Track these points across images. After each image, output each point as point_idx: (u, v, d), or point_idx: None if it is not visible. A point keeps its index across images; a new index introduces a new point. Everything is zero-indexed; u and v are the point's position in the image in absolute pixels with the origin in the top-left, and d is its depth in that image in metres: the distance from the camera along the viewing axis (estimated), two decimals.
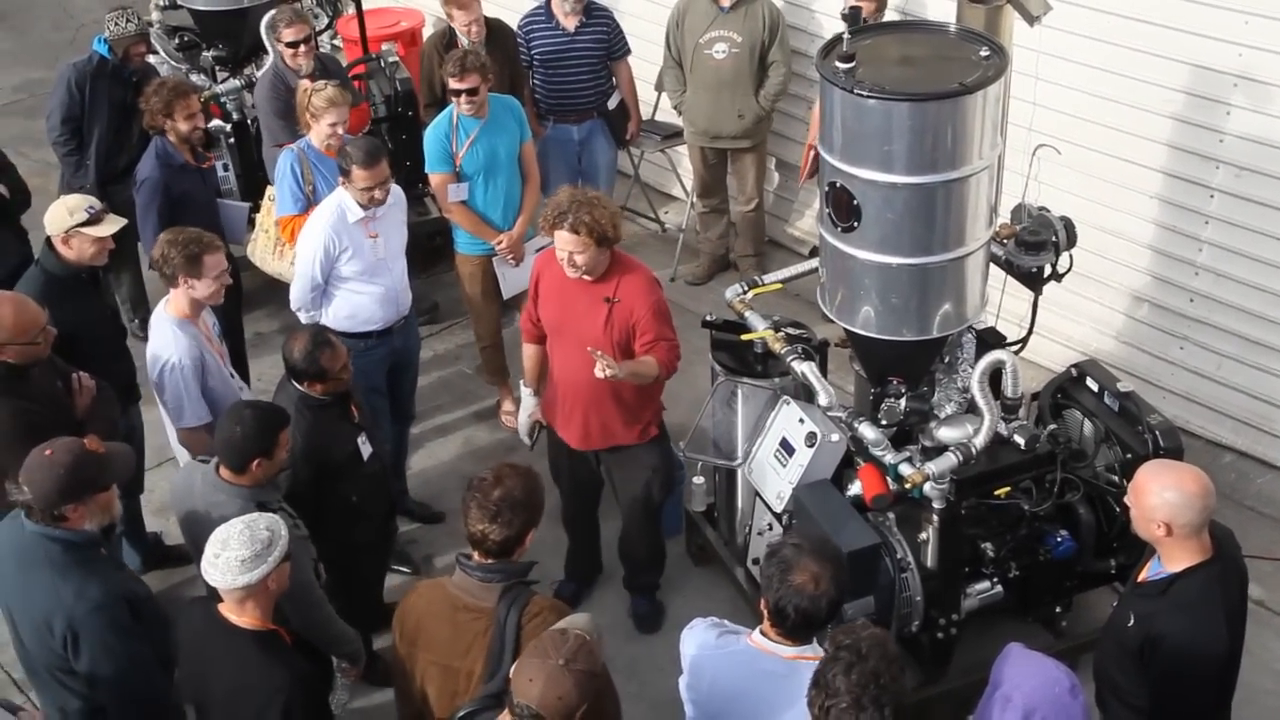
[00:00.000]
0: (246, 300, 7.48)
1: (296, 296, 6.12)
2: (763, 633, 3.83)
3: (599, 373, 5.13)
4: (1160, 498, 3.96)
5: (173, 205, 6.45)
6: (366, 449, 5.43)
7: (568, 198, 5.20)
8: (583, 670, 3.41)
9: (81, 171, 7.45)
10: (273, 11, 7.74)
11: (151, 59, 7.87)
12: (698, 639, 3.97)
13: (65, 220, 5.60)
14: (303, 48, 7.30)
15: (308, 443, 5.17)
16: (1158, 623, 4.03)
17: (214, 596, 4.07)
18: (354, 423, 5.43)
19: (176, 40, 8.44)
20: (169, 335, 5.41)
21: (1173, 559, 4.06)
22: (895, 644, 3.44)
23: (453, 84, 6.51)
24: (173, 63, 8.23)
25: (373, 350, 6.06)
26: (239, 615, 4.03)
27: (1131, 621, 4.12)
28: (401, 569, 6.27)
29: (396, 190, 6.19)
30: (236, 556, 3.94)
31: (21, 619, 4.40)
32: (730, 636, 3.92)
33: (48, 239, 5.70)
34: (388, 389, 6.30)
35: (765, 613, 3.80)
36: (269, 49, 7.91)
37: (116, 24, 7.46)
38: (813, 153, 7.36)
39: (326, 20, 9.03)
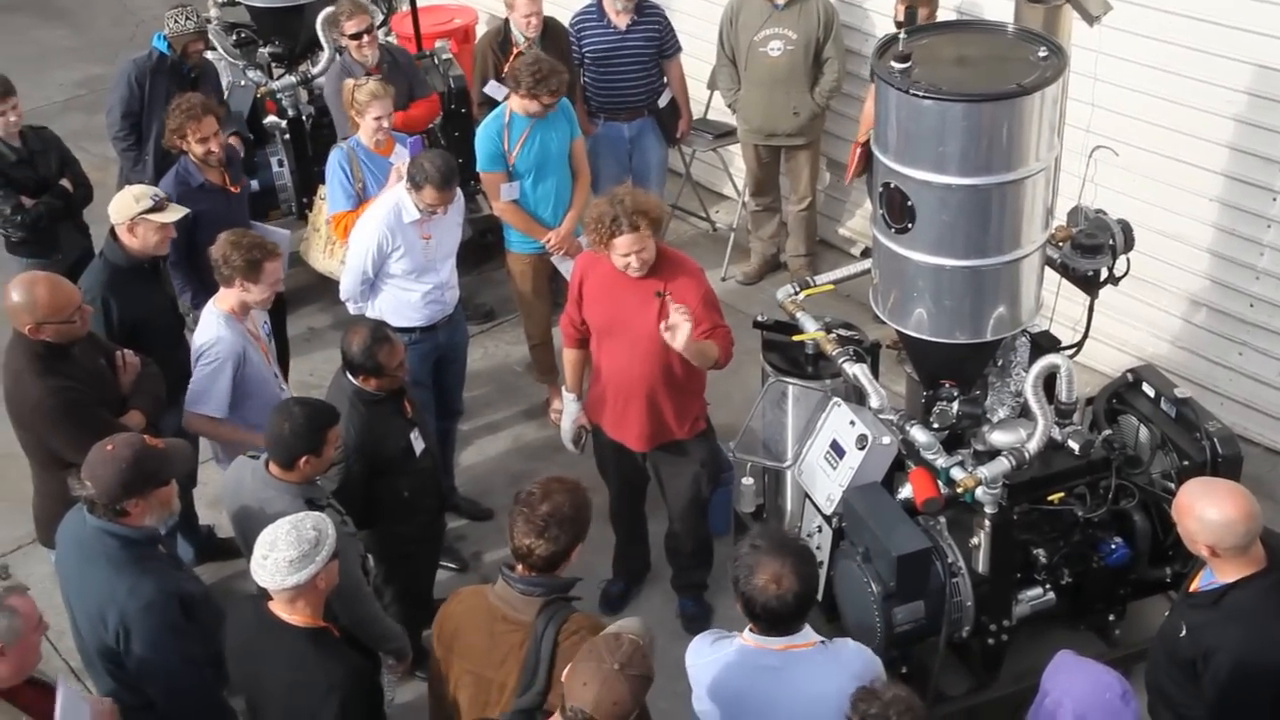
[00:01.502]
0: (299, 296, 7.54)
1: (346, 287, 6.19)
2: (751, 630, 3.83)
3: (678, 341, 4.94)
4: (1201, 522, 3.92)
5: (188, 227, 6.20)
6: (419, 444, 5.45)
7: (608, 205, 5.17)
8: (637, 675, 3.40)
9: (140, 166, 7.53)
10: (331, 7, 7.80)
11: (209, 55, 7.94)
12: (694, 651, 3.96)
13: (131, 207, 5.67)
14: (366, 38, 7.36)
15: (360, 437, 5.20)
16: (1211, 634, 3.97)
17: (264, 594, 4.08)
18: (407, 418, 5.44)
19: (234, 37, 8.51)
20: (214, 328, 5.47)
21: (1224, 571, 4.01)
22: (922, 705, 3.42)
23: (545, 98, 6.45)
24: (230, 59, 8.29)
25: (416, 345, 6.08)
26: (290, 613, 4.04)
27: (1184, 632, 4.06)
28: (449, 565, 6.28)
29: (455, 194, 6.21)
30: (285, 558, 3.95)
31: (79, 611, 4.46)
32: (724, 641, 3.91)
33: (111, 230, 5.77)
34: (433, 383, 6.32)
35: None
36: (325, 45, 7.98)
37: (176, 21, 7.52)
38: (860, 150, 7.32)
39: (381, 16, 9.06)
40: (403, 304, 6.12)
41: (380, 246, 5.98)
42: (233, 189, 6.70)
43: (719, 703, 3.85)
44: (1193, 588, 4.18)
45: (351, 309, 6.27)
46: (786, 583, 3.69)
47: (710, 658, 3.88)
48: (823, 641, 3.83)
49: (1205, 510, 3.91)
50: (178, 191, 6.35)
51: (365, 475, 5.24)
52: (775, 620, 3.75)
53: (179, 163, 6.54)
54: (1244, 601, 3.96)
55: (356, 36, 7.35)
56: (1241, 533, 3.89)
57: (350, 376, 5.28)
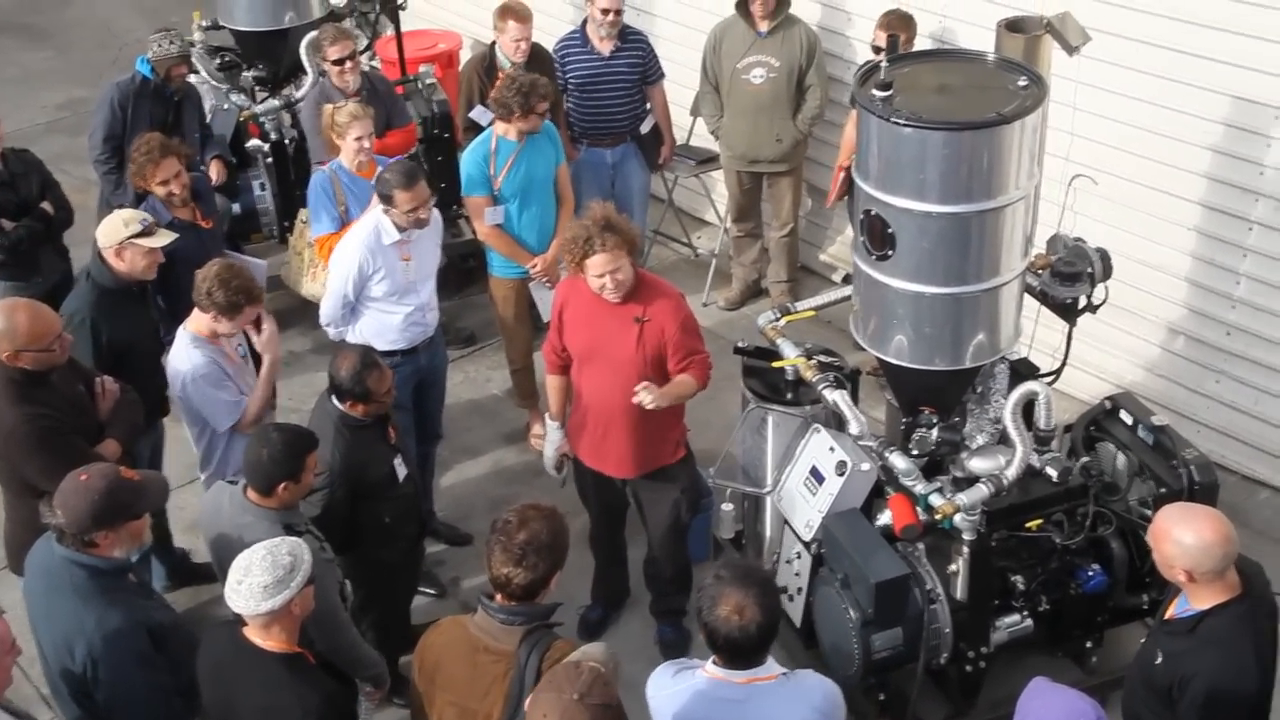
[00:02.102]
0: (278, 321, 7.46)
1: (326, 312, 6.14)
2: (715, 662, 3.80)
3: (647, 404, 5.15)
4: (1179, 546, 3.93)
5: (163, 265, 6.01)
6: (402, 470, 5.44)
7: (583, 228, 5.18)
8: (598, 704, 3.36)
9: (121, 190, 7.47)
10: (315, 31, 7.80)
11: (192, 79, 7.92)
12: (656, 683, 3.92)
13: (120, 232, 5.64)
14: (348, 64, 7.35)
15: (345, 463, 5.19)
16: (1187, 661, 3.98)
17: (239, 620, 4.05)
18: (391, 444, 5.43)
19: (217, 60, 8.49)
20: (184, 351, 5.47)
21: (1199, 598, 4.02)
22: None
23: (540, 108, 6.49)
24: (213, 83, 8.27)
25: (398, 368, 6.03)
26: (265, 639, 4.01)
27: (1159, 659, 4.07)
28: (428, 590, 6.24)
29: (434, 215, 6.20)
30: (259, 583, 3.93)
31: (46, 640, 4.41)
32: (686, 673, 3.86)
33: (98, 252, 5.73)
34: (414, 406, 6.30)
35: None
36: (308, 69, 7.97)
37: (159, 45, 7.51)
38: (843, 174, 7.33)
39: (366, 41, 9.07)
40: (385, 327, 6.09)
41: (361, 269, 5.96)
42: (204, 223, 6.61)
43: None
44: (1168, 615, 4.18)
45: (331, 334, 6.22)
46: (749, 614, 3.65)
47: (672, 689, 3.84)
48: (785, 673, 3.79)
49: (1182, 535, 3.92)
50: None
51: (348, 500, 5.21)
52: (737, 651, 3.71)
53: (146, 201, 6.44)
54: (1219, 628, 3.96)
55: (339, 62, 7.34)
56: (1219, 556, 3.90)
57: (337, 401, 5.25)
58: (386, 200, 5.85)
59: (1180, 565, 3.94)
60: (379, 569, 5.43)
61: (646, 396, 5.17)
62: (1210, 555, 3.90)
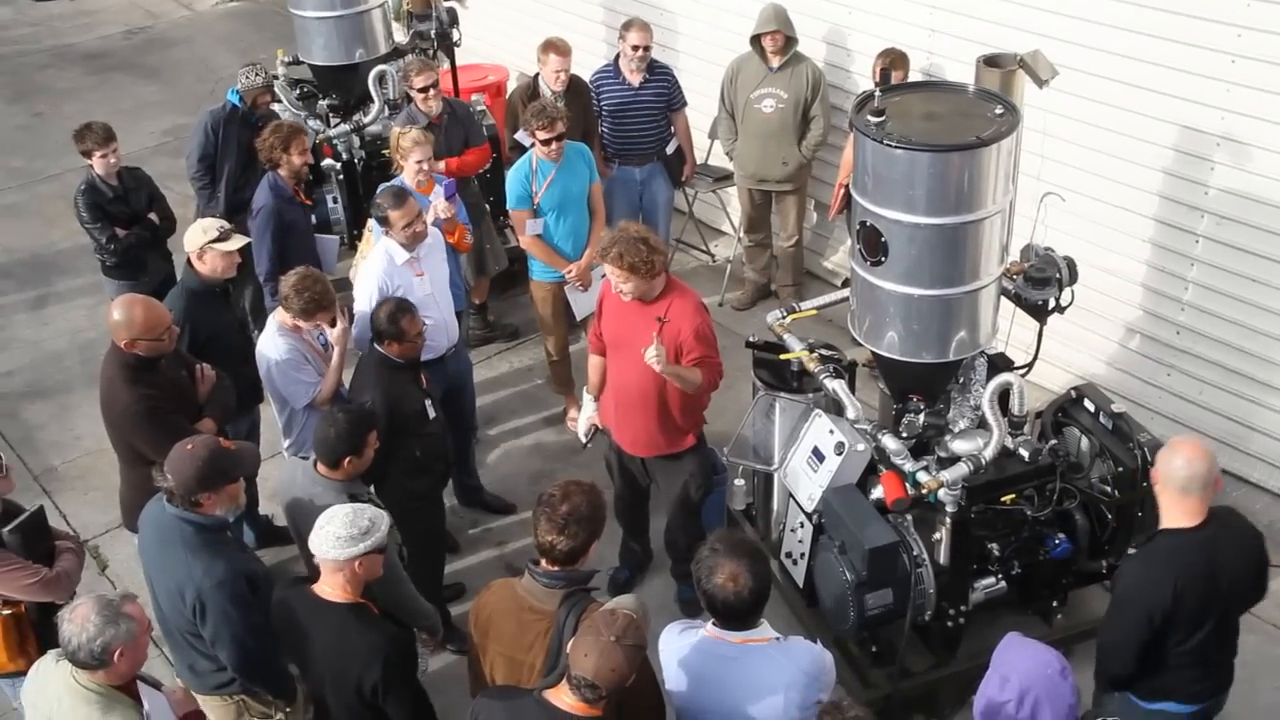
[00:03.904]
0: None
1: (357, 337, 5.85)
2: (714, 624, 3.77)
3: (652, 362, 5.03)
4: (1164, 459, 4.05)
5: (283, 232, 6.43)
6: (432, 411, 5.48)
7: (610, 238, 5.15)
8: (631, 645, 3.37)
9: (213, 203, 7.51)
10: (388, 65, 7.82)
11: (275, 107, 7.93)
12: (665, 639, 3.89)
13: (199, 238, 5.70)
14: (431, 92, 7.29)
15: (384, 396, 5.26)
16: (1124, 565, 4.15)
17: (308, 579, 4.08)
18: (422, 387, 5.50)
19: (297, 91, 8.50)
20: (270, 339, 5.52)
21: (1166, 517, 4.08)
22: None
23: (542, 135, 6.41)
24: (293, 110, 8.28)
25: (432, 376, 5.96)
26: (331, 589, 4.05)
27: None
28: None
29: (435, 233, 6.15)
30: (334, 533, 4.00)
31: (159, 587, 4.45)
32: (690, 631, 3.84)
33: (188, 259, 5.77)
34: (449, 409, 6.07)
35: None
36: (375, 98, 7.97)
37: (247, 77, 7.54)
38: (843, 191, 7.28)
39: None
40: None
41: (381, 290, 5.83)
42: (307, 201, 6.83)
43: (682, 684, 3.79)
44: None
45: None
46: (743, 580, 3.62)
47: (677, 644, 3.83)
48: (778, 638, 3.76)
49: (1174, 455, 4.03)
50: (275, 202, 6.44)
51: (386, 433, 5.14)
52: (733, 615, 3.68)
53: (268, 178, 6.56)
54: (1156, 548, 4.07)
55: (424, 90, 7.31)
56: (1183, 476, 3.98)
57: (377, 344, 5.34)
58: (383, 223, 5.80)
59: (1159, 469, 4.05)
60: (410, 498, 5.40)
61: (652, 352, 5.03)
62: (1177, 471, 3.98)
